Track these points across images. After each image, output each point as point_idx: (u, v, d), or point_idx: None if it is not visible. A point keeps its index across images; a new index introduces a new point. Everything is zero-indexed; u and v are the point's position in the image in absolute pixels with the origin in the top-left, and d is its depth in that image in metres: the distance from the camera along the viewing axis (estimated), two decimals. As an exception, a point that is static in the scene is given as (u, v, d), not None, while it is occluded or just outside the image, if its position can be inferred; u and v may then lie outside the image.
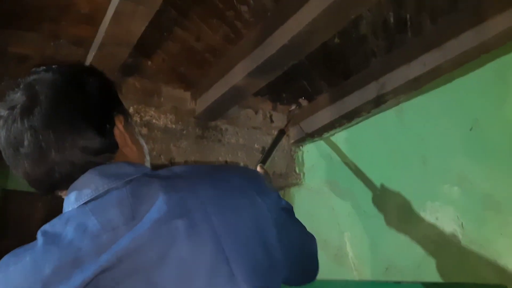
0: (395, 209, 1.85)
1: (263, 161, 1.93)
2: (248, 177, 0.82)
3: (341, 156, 2.15)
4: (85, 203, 0.71)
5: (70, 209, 0.72)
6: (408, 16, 1.60)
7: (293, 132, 2.30)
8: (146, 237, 0.66)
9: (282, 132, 2.10)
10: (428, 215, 1.73)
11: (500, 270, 1.48)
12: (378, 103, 1.83)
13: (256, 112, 2.21)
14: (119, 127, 0.82)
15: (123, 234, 0.66)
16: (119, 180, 0.73)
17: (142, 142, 0.90)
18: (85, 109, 0.77)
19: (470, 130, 1.63)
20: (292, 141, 2.30)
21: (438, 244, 1.68)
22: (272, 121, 2.26)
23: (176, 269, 0.66)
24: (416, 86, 1.71)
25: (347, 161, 2.11)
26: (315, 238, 1.01)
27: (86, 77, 0.81)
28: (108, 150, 0.79)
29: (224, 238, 0.69)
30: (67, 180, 0.76)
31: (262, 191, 0.80)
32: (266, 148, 2.07)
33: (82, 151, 0.75)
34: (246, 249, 0.71)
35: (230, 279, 0.67)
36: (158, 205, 0.69)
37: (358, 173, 2.03)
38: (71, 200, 0.73)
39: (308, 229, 0.98)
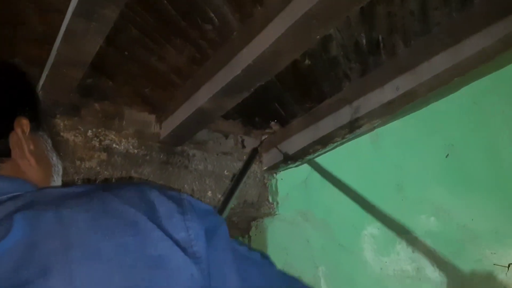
0: (371, 242, 1.83)
1: (232, 188, 1.90)
2: (141, 193, 0.63)
3: (316, 184, 2.12)
4: None
5: None
6: (380, 37, 1.60)
7: (266, 158, 2.25)
8: None
9: (255, 151, 2.10)
10: (405, 247, 1.71)
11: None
12: (352, 128, 1.82)
13: (227, 137, 2.17)
14: (17, 132, 0.71)
15: None
16: None
17: (54, 159, 0.81)
18: None
19: (446, 157, 1.63)
20: (265, 167, 2.25)
21: (414, 278, 1.65)
22: (244, 146, 2.22)
23: None
24: (390, 110, 1.70)
25: (322, 190, 2.08)
26: None
27: None
28: None
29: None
30: None
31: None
32: (237, 173, 2.04)
33: None
34: None
35: None
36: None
37: (333, 202, 2.01)
38: None
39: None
